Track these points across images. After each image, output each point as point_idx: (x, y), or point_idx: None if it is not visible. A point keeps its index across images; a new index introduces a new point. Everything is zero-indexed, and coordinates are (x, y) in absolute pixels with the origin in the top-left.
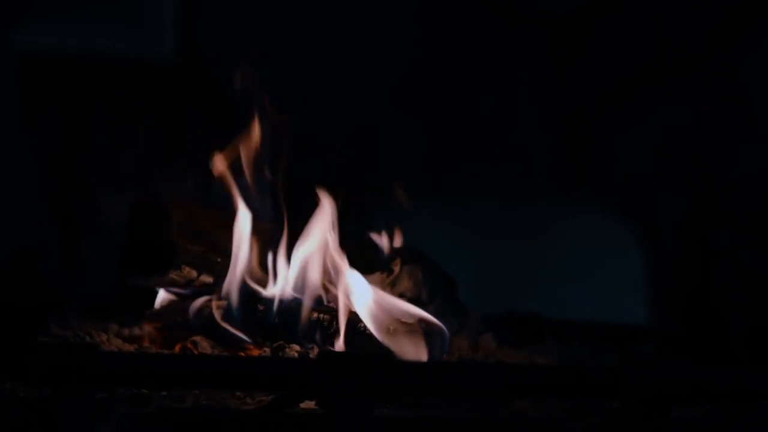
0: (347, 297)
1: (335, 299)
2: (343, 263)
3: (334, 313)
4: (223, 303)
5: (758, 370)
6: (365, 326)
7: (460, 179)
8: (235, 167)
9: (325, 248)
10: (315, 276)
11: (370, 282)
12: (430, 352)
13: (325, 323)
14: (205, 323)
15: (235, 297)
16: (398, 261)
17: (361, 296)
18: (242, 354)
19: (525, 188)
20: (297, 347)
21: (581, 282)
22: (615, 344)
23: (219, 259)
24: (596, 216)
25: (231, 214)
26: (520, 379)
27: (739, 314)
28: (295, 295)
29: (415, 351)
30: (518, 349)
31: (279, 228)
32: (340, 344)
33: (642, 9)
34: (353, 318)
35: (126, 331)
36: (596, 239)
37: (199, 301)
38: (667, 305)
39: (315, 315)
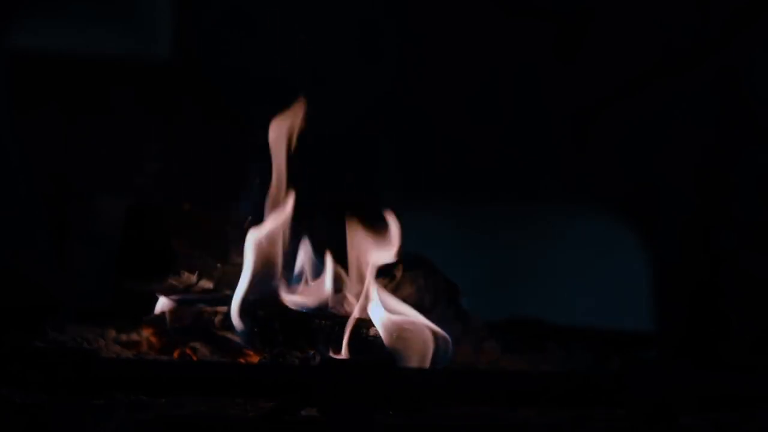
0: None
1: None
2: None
3: (336, 319)
4: (223, 309)
5: (765, 374)
6: (367, 333)
7: (461, 180)
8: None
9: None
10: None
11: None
12: (434, 359)
13: (327, 329)
14: (205, 329)
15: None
16: (400, 266)
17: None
18: (242, 360)
19: (525, 188)
20: (298, 353)
21: (583, 285)
22: (619, 349)
23: (219, 264)
24: (599, 218)
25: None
26: (523, 386)
27: (743, 318)
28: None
29: (417, 357)
30: (521, 356)
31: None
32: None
33: (647, 7)
34: (357, 324)
35: (124, 337)
36: (598, 241)
37: (199, 307)
38: (671, 308)
39: (317, 321)
